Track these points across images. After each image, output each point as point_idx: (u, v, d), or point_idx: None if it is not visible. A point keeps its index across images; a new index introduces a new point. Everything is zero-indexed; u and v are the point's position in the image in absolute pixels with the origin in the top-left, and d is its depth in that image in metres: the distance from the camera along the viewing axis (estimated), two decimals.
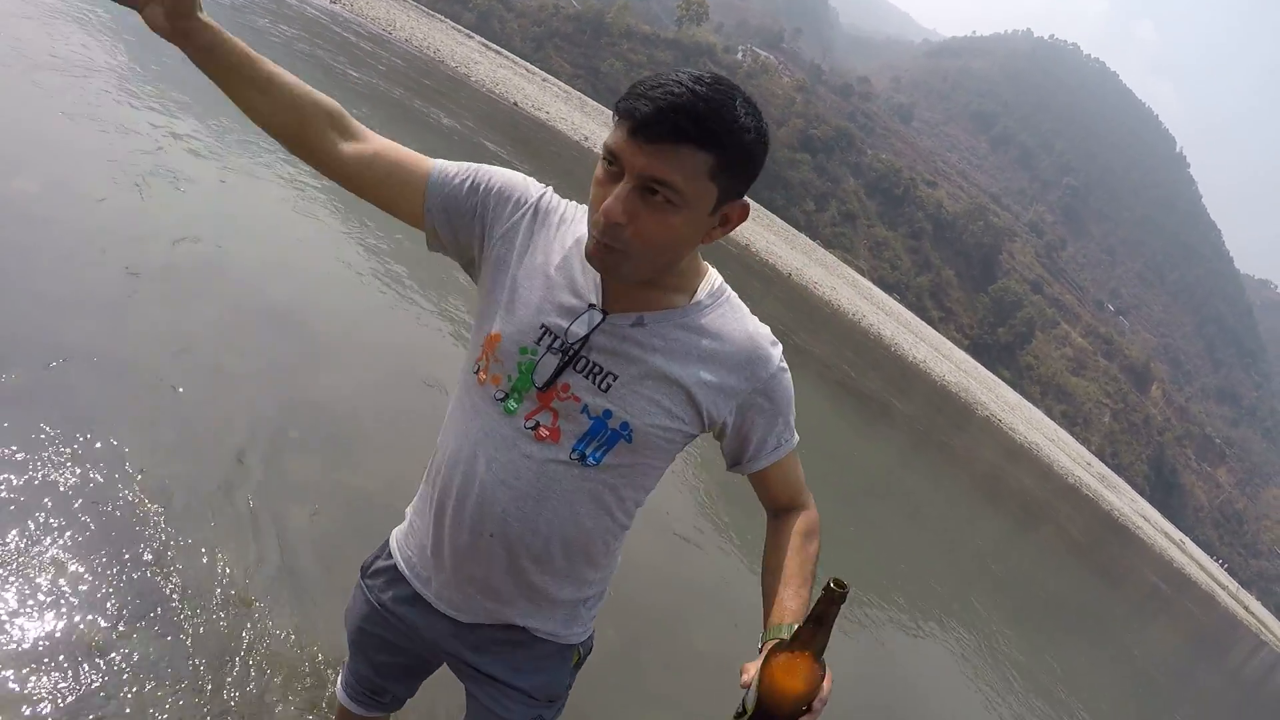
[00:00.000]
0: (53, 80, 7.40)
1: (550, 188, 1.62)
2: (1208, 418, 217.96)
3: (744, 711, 1.33)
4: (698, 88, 1.25)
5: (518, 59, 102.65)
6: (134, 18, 1.34)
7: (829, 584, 1.23)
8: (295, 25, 21.64)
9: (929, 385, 37.60)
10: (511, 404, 1.52)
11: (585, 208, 1.51)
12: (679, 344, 1.49)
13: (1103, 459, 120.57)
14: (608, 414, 1.48)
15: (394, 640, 1.86)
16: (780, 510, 1.74)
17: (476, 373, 1.57)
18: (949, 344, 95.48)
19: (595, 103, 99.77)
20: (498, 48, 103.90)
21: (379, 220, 8.29)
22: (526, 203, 1.56)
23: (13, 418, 3.35)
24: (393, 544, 1.86)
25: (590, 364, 1.47)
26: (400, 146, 1.58)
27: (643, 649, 4.51)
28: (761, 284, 29.75)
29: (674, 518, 6.32)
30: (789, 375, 1.63)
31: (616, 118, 1.29)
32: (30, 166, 5.60)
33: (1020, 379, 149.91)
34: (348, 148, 1.53)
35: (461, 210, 1.56)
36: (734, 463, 1.68)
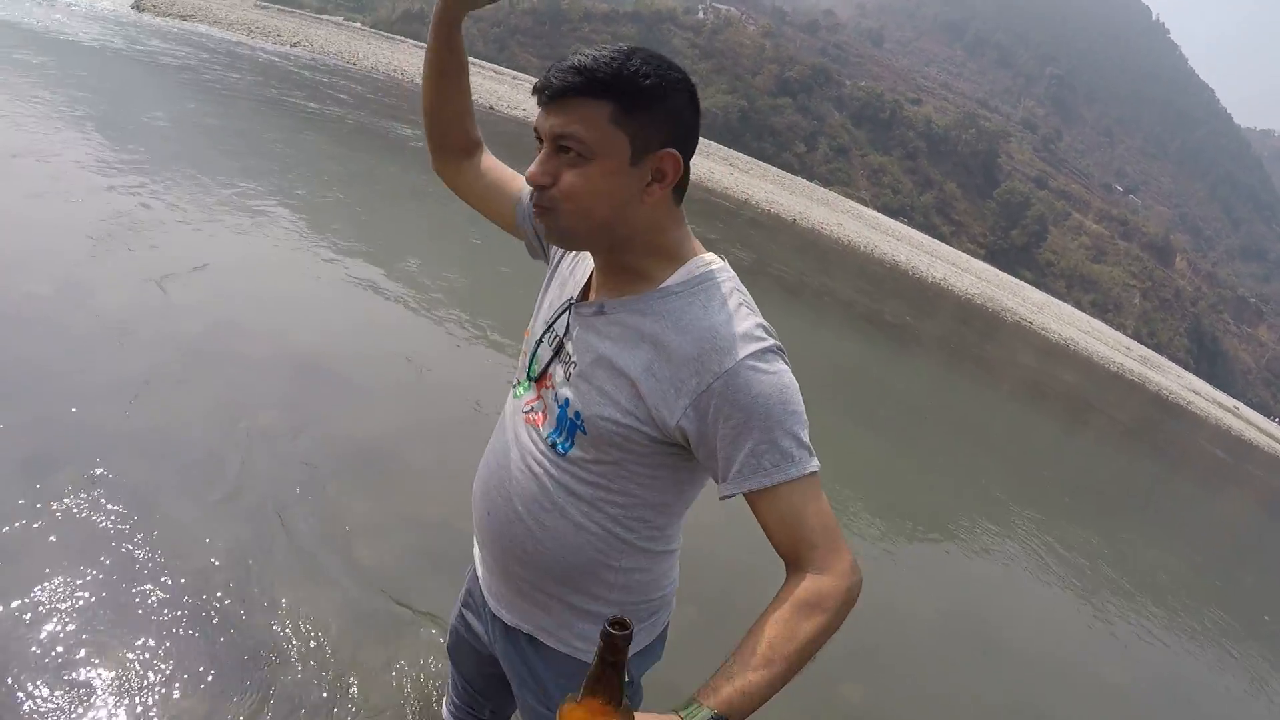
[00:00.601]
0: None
1: None
2: (1237, 279, 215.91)
3: None
4: (593, 51, 1.35)
5: (485, 63, 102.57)
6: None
7: (605, 626, 1.03)
8: (266, 74, 22.23)
9: (953, 302, 37.27)
10: (519, 390, 1.66)
11: None
12: (632, 331, 1.45)
13: (1140, 340, 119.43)
14: (566, 402, 1.51)
15: (476, 648, 1.93)
16: (788, 563, 1.40)
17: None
18: (965, 257, 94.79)
19: None
20: None
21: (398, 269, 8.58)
22: None
23: (75, 507, 3.42)
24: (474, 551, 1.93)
25: (567, 355, 1.53)
26: (504, 166, 1.91)
27: (725, 625, 4.26)
28: (767, 236, 29.57)
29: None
30: (769, 378, 1.36)
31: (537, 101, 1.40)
32: (35, 269, 5.65)
33: (1043, 277, 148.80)
34: (471, 158, 1.90)
35: (534, 233, 1.79)
36: (718, 482, 1.45)
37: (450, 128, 1.86)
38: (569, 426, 1.51)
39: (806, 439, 1.38)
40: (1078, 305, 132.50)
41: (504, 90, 54.65)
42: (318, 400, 5.26)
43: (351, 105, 22.49)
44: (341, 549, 3.84)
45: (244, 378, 5.18)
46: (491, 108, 40.14)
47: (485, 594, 1.79)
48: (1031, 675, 5.47)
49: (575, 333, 1.53)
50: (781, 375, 1.38)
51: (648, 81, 1.34)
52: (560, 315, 1.59)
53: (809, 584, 1.32)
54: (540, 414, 1.58)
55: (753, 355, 1.36)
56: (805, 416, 1.39)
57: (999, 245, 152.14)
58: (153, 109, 12.75)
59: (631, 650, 1.03)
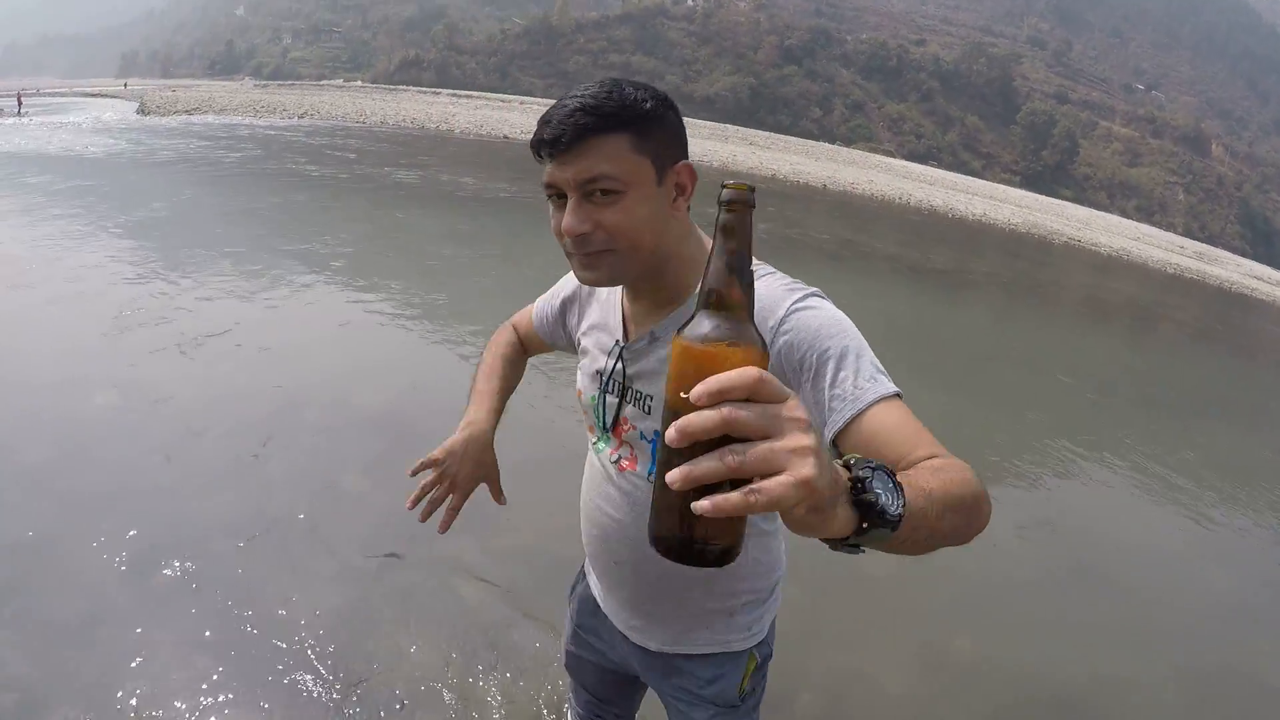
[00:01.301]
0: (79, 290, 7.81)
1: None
2: (1276, 153, 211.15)
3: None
4: (581, 93, 1.35)
5: (489, 95, 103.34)
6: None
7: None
8: (290, 150, 22.27)
9: (998, 236, 36.85)
10: (600, 444, 1.69)
11: None
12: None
13: (1192, 236, 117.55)
14: (657, 434, 1.51)
15: (596, 660, 2.01)
16: None
17: (586, 424, 1.76)
18: (1001, 188, 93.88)
19: None
20: (467, 92, 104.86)
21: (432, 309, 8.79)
22: (570, 292, 1.82)
23: (195, 604, 3.59)
24: (586, 565, 1.98)
25: (634, 393, 1.58)
26: (524, 321, 2.03)
27: (828, 595, 4.47)
28: (800, 207, 29.71)
29: None
30: (819, 310, 1.37)
31: (538, 156, 1.38)
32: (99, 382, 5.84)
33: (1083, 192, 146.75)
34: (531, 354, 2.08)
35: (562, 334, 1.87)
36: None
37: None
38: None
39: (878, 364, 1.32)
40: (1123, 213, 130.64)
41: (514, 118, 55.25)
42: (400, 455, 5.53)
43: (381, 160, 23.28)
44: (454, 585, 4.01)
45: (323, 445, 5.35)
46: (505, 136, 40.88)
47: (622, 629, 1.82)
48: (1139, 597, 5.38)
49: (634, 370, 1.57)
50: (826, 308, 1.37)
51: (648, 105, 1.36)
52: (611, 363, 1.61)
53: (945, 460, 1.17)
54: (629, 459, 1.62)
55: (795, 302, 1.37)
56: (867, 344, 1.34)
57: (1032, 169, 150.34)
58: (186, 206, 13.32)
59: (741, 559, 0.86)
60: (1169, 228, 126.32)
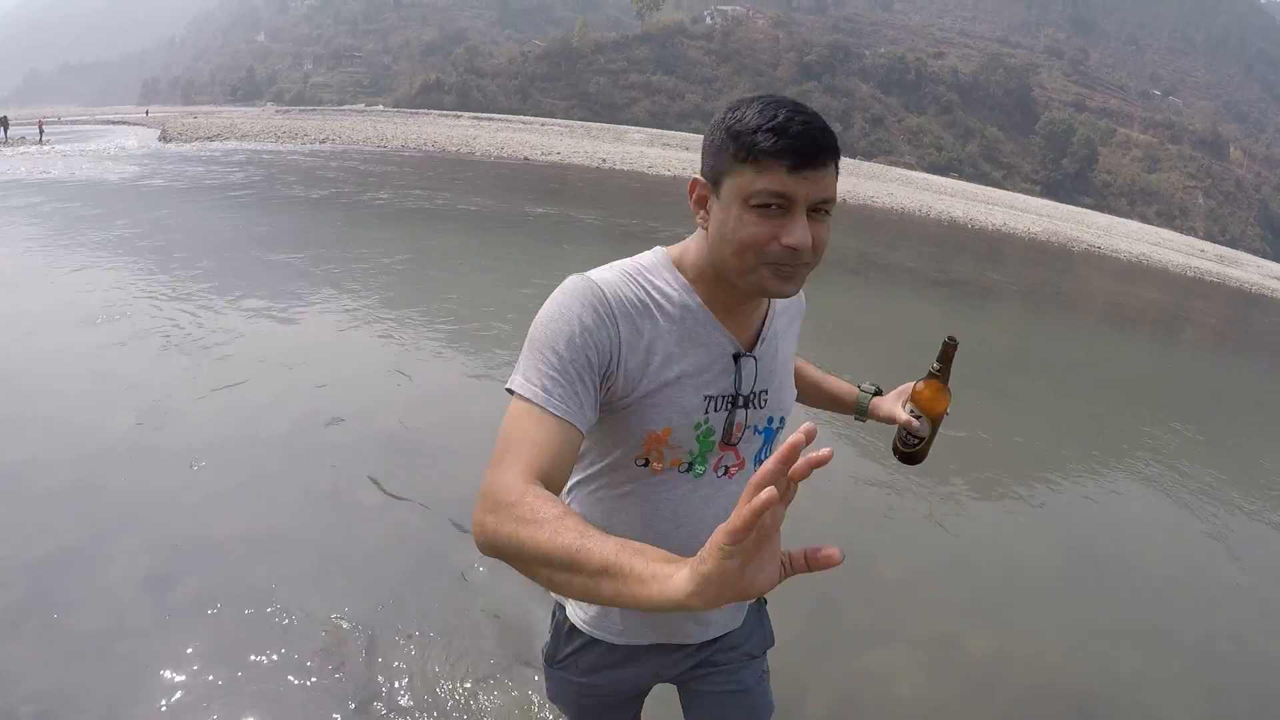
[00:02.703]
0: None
1: (587, 290, 1.46)
2: None
3: (921, 438, 1.94)
4: (804, 108, 1.37)
5: (511, 117, 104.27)
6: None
7: (946, 339, 1.88)
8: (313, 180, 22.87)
9: (1019, 245, 37.09)
10: (698, 468, 1.60)
11: (617, 278, 1.50)
12: (783, 329, 1.72)
13: (1213, 240, 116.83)
14: (770, 419, 1.68)
15: (613, 700, 1.97)
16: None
17: (646, 465, 1.58)
18: (1022, 197, 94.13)
19: (597, 124, 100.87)
20: (488, 115, 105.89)
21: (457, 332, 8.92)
22: (609, 334, 1.45)
23: (213, 618, 3.72)
24: (577, 624, 1.83)
25: (748, 396, 1.61)
26: (533, 442, 1.33)
27: (836, 598, 4.55)
28: None
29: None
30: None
31: (758, 160, 1.34)
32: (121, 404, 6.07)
33: (1103, 199, 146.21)
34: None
35: (595, 403, 1.45)
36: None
37: None
38: (775, 435, 1.70)
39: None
40: (1143, 219, 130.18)
41: (534, 139, 55.87)
42: (422, 470, 5.52)
43: (409, 183, 23.76)
44: (469, 595, 4.14)
45: (341, 461, 5.47)
46: (526, 158, 41.31)
47: (676, 640, 1.83)
48: (1155, 595, 5.44)
49: (754, 372, 1.61)
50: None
51: (835, 141, 1.39)
52: (743, 375, 1.59)
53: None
54: (736, 462, 1.64)
55: None
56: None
57: (1052, 178, 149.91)
58: (206, 234, 13.63)
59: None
60: (1190, 232, 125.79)
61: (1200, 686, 4.47)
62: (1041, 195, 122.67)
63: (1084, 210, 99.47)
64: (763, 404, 1.63)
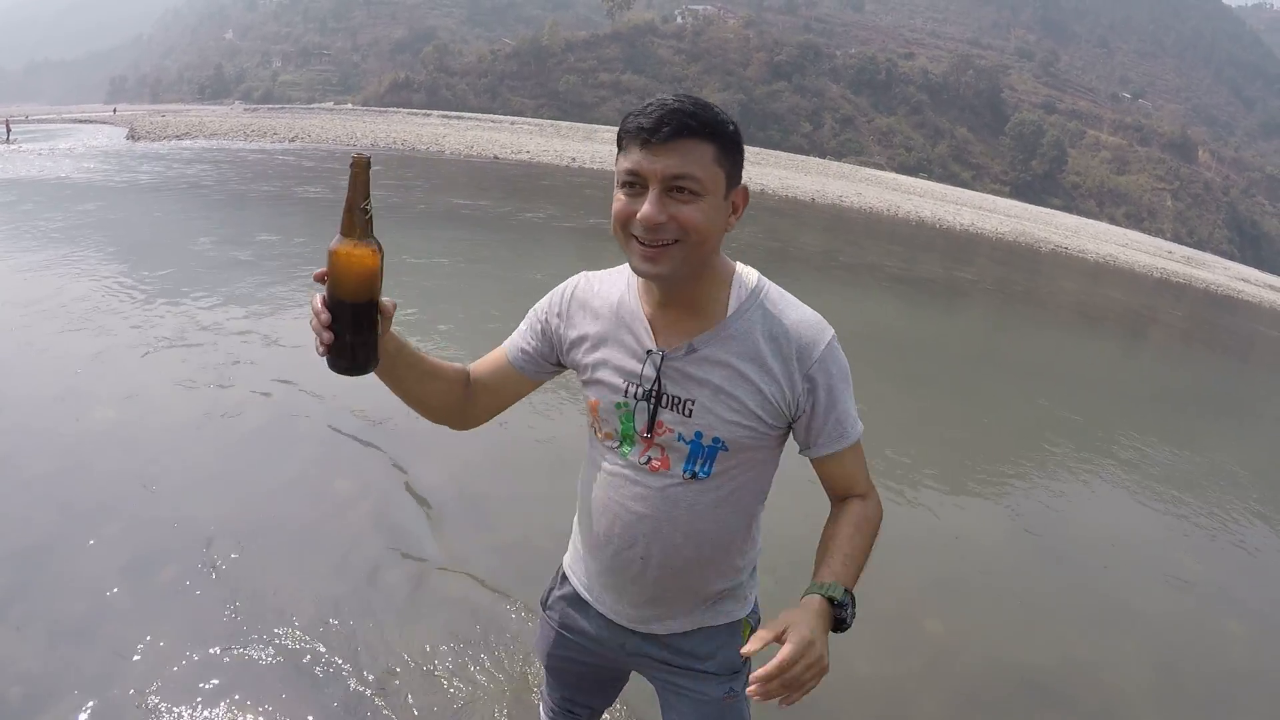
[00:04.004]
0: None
1: (566, 286, 1.87)
2: (1262, 158, 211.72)
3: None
4: (683, 97, 1.49)
5: (480, 115, 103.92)
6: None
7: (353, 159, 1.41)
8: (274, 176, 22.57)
9: (987, 245, 37.41)
10: (625, 448, 1.76)
11: (602, 276, 1.84)
12: (734, 354, 1.66)
13: (1180, 242, 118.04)
14: (699, 434, 1.68)
15: (583, 659, 2.07)
16: (839, 499, 1.82)
17: (595, 432, 1.84)
18: (991, 198, 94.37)
19: (567, 123, 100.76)
20: (457, 113, 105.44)
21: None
22: (558, 313, 1.84)
23: (193, 602, 3.81)
24: (567, 571, 2.08)
25: (671, 398, 1.68)
26: (488, 360, 1.92)
27: (800, 584, 4.81)
28: (790, 221, 30.10)
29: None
30: (842, 359, 1.71)
31: (623, 143, 1.53)
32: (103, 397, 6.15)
33: (1072, 201, 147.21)
34: (479, 403, 1.90)
35: (545, 358, 1.88)
36: (802, 447, 1.79)
37: (458, 406, 1.88)
38: (708, 453, 1.69)
39: (854, 407, 1.75)
40: (1112, 221, 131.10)
41: (504, 137, 55.87)
42: (390, 462, 5.59)
43: (376, 185, 23.28)
44: (443, 580, 4.25)
45: (317, 453, 5.63)
46: (496, 157, 41.45)
47: (629, 624, 1.93)
48: (1110, 582, 5.55)
49: (671, 376, 1.67)
50: (841, 353, 1.72)
51: (731, 128, 1.51)
52: (650, 370, 1.69)
53: (862, 507, 1.77)
54: (660, 460, 1.72)
55: (834, 338, 1.70)
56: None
57: (1022, 179, 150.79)
58: (172, 233, 13.62)
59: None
60: (1158, 234, 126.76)
61: (1154, 669, 4.63)
62: (1010, 196, 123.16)
63: (1052, 211, 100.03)
64: (688, 413, 1.68)
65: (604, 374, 1.75)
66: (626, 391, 1.72)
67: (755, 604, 2.03)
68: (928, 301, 17.84)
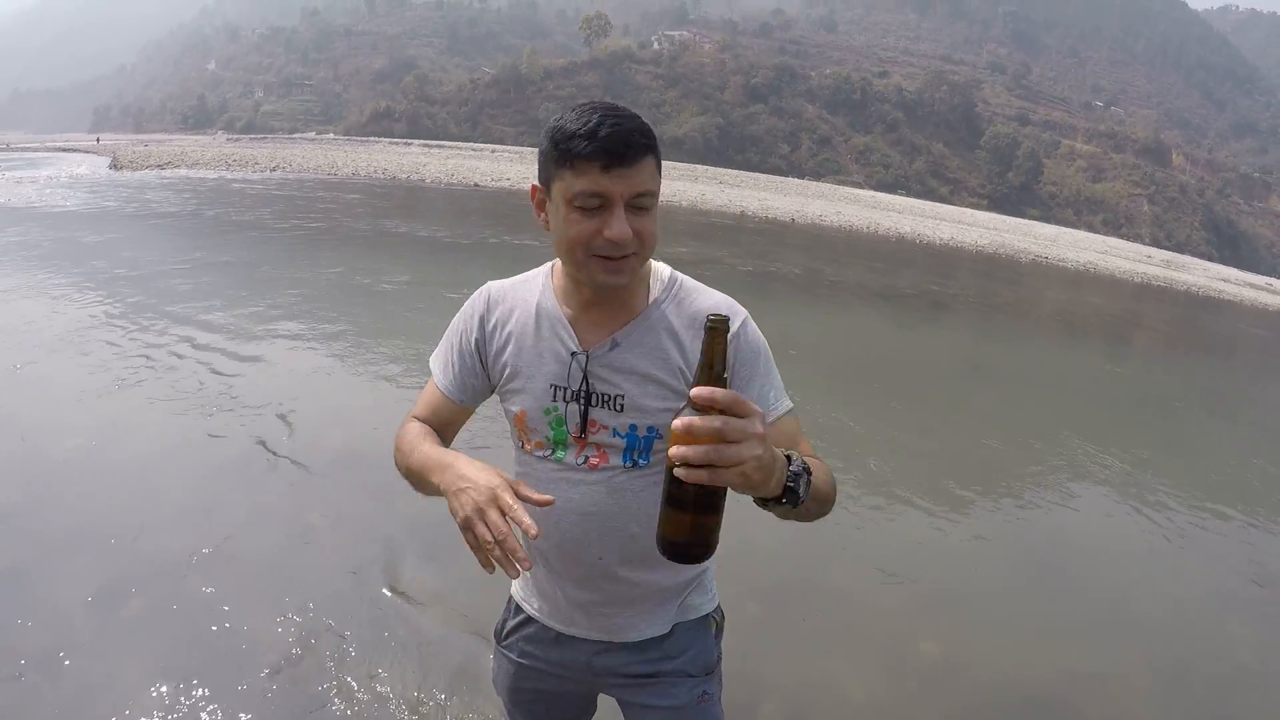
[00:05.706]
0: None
1: (477, 300, 1.84)
2: (1236, 159, 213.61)
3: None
4: (618, 110, 1.50)
5: (461, 144, 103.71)
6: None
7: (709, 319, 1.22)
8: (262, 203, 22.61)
9: (968, 258, 37.08)
10: (560, 453, 1.74)
11: (513, 284, 1.82)
12: (655, 342, 1.69)
13: (1159, 245, 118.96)
14: (633, 427, 1.69)
15: (548, 688, 2.00)
16: None
17: (522, 446, 1.81)
18: (969, 212, 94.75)
19: None
20: (438, 142, 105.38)
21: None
22: (477, 328, 1.80)
23: (160, 634, 3.76)
24: (517, 599, 2.01)
25: (601, 396, 1.69)
26: (427, 405, 1.87)
27: (788, 609, 4.58)
28: (770, 241, 30.03)
29: None
30: (758, 335, 1.74)
31: (574, 164, 1.48)
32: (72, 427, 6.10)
33: (1050, 211, 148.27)
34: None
35: (476, 377, 1.83)
36: None
37: None
38: (643, 443, 1.70)
39: (781, 384, 1.77)
40: (1090, 228, 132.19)
41: (484, 166, 55.39)
42: (361, 491, 5.52)
43: (356, 214, 23.09)
44: (413, 610, 4.19)
45: (288, 483, 5.53)
46: (476, 185, 41.18)
47: (598, 634, 1.87)
48: (1107, 593, 5.51)
49: (597, 374, 1.69)
50: (761, 335, 1.76)
51: (648, 139, 1.52)
52: (577, 371, 1.69)
53: (819, 463, 1.57)
54: (597, 456, 1.72)
55: (747, 318, 1.74)
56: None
57: (999, 191, 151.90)
58: (155, 262, 13.10)
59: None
60: (1136, 239, 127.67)
61: (1157, 677, 4.56)
62: (988, 209, 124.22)
63: (1030, 222, 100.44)
64: (619, 408, 1.69)
65: (528, 382, 1.75)
66: (554, 395, 1.72)
67: (718, 602, 2.02)
68: (911, 316, 17.69)
